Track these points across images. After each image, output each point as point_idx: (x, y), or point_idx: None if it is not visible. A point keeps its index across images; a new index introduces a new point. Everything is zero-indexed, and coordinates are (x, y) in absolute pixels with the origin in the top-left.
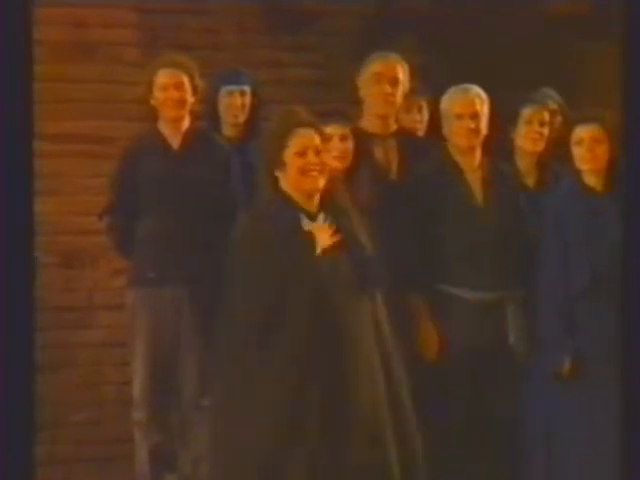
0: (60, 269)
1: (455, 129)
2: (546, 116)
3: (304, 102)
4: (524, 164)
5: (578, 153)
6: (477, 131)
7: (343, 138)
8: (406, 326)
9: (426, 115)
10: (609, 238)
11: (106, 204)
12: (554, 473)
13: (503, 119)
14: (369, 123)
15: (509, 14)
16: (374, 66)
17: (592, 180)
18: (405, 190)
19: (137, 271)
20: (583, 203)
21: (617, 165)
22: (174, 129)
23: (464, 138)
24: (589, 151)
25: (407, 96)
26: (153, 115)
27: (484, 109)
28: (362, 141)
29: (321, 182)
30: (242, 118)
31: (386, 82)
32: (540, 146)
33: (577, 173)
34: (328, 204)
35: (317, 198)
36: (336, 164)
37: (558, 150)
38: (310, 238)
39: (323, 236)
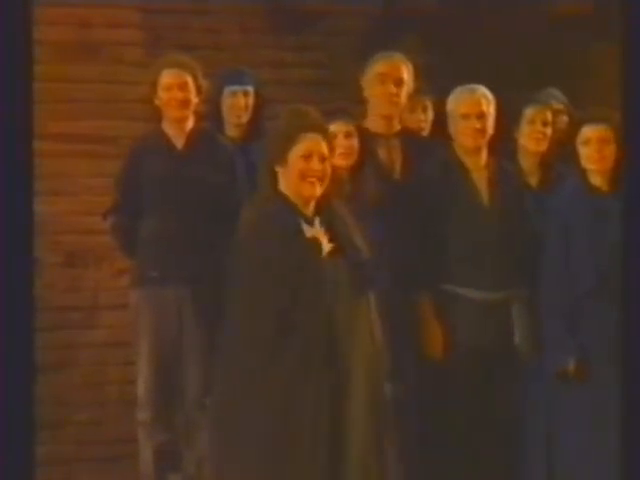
0: (63, 269)
1: (461, 129)
2: (549, 116)
3: (308, 102)
4: (527, 164)
5: (585, 153)
6: (483, 131)
7: (348, 135)
8: (411, 325)
9: (430, 115)
10: (614, 238)
11: (110, 204)
12: (555, 473)
13: (507, 119)
14: (373, 123)
15: (513, 14)
16: (378, 66)
17: (598, 180)
18: (410, 190)
19: (140, 271)
20: (588, 203)
21: (623, 165)
22: (178, 129)
23: (470, 138)
24: (597, 151)
25: (411, 96)
26: (157, 115)
27: (490, 109)
28: (366, 141)
29: (319, 190)
30: (245, 118)
31: (390, 82)
32: (543, 146)
33: (582, 173)
34: (323, 209)
35: (313, 204)
36: (340, 162)
37: (561, 150)
38: (313, 242)
39: (323, 241)
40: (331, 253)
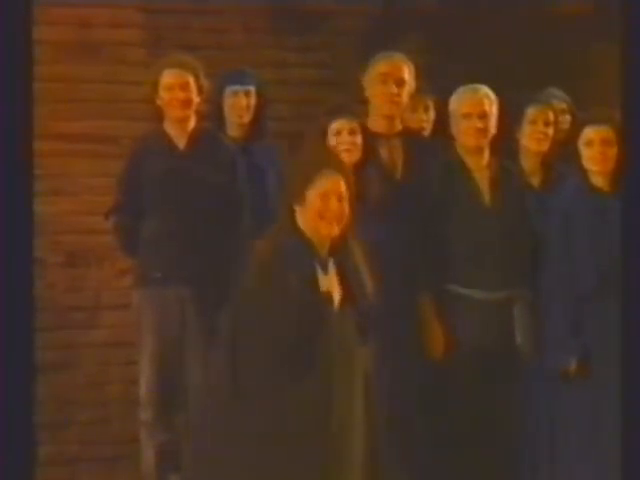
0: (65, 269)
1: (463, 129)
2: (551, 116)
3: (310, 102)
4: (529, 164)
5: (587, 154)
6: (485, 131)
7: (352, 132)
8: (412, 325)
9: (432, 115)
10: (615, 238)
11: (112, 204)
12: (557, 473)
13: (508, 119)
14: (375, 123)
15: (514, 14)
16: (380, 66)
17: (599, 180)
18: (412, 190)
19: (142, 271)
20: (590, 203)
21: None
22: (180, 129)
23: (472, 138)
24: (600, 153)
25: (413, 96)
26: (159, 115)
27: (493, 109)
28: (368, 140)
29: (336, 230)
30: (247, 118)
31: (392, 82)
32: (545, 146)
33: (584, 173)
34: (339, 249)
35: (329, 242)
36: (344, 157)
37: (563, 150)
38: (327, 296)
39: (335, 293)
40: (340, 302)
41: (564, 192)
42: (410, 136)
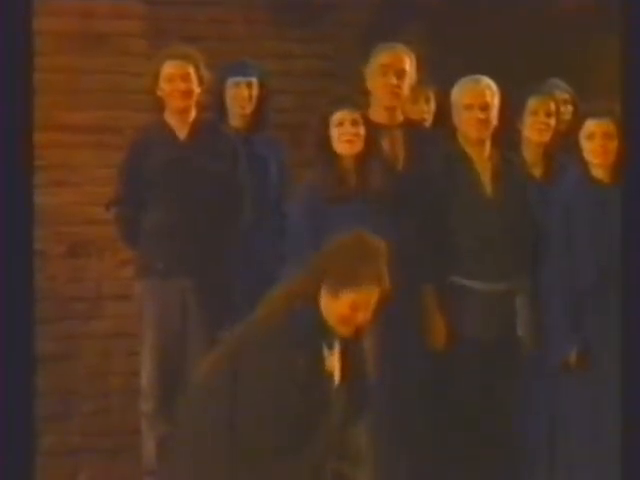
0: (66, 260)
1: (465, 120)
2: (552, 106)
3: (312, 93)
4: (531, 155)
5: (589, 147)
6: (487, 122)
7: (354, 123)
8: (414, 316)
9: (433, 106)
10: (616, 231)
11: (113, 195)
12: (556, 463)
13: (510, 110)
14: (376, 114)
15: (516, 6)
16: (380, 57)
17: (600, 173)
18: (414, 181)
19: (144, 262)
20: (591, 195)
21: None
22: (181, 120)
23: (474, 129)
24: (601, 146)
25: (414, 87)
26: (159, 106)
27: (494, 100)
28: (371, 131)
29: (352, 332)
30: (249, 109)
31: (392, 74)
32: (546, 137)
33: (585, 165)
34: (349, 340)
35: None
36: (346, 149)
37: (565, 140)
38: (329, 374)
39: (336, 372)
40: (340, 379)
41: (565, 184)
42: (412, 127)
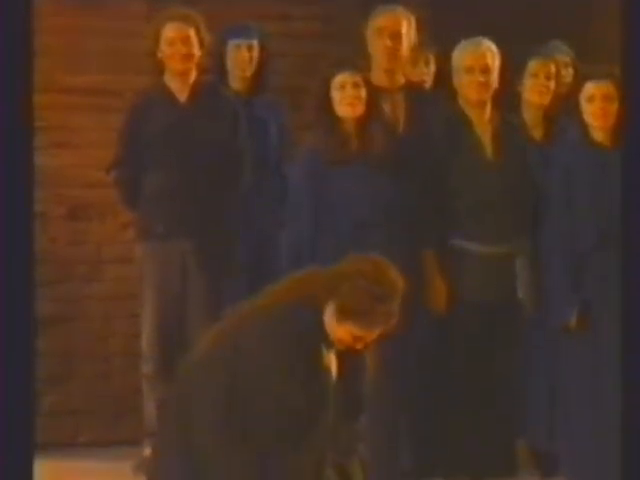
0: (67, 222)
1: (465, 82)
2: (552, 69)
3: (313, 56)
4: (531, 117)
5: (589, 109)
6: (487, 85)
7: (355, 85)
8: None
9: (433, 68)
10: (616, 193)
11: (114, 158)
12: (557, 425)
13: (510, 72)
14: (377, 77)
15: None
16: (378, 20)
17: (600, 135)
18: (415, 143)
19: (145, 225)
20: (591, 157)
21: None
22: (181, 82)
23: (474, 92)
24: (601, 109)
25: (414, 49)
26: (160, 68)
27: (495, 63)
28: (371, 94)
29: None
30: (250, 72)
31: (387, 36)
32: (546, 99)
33: (584, 127)
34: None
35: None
36: (348, 112)
37: (565, 103)
38: (327, 371)
39: (333, 369)
40: (337, 377)
41: (565, 146)
42: (412, 90)
